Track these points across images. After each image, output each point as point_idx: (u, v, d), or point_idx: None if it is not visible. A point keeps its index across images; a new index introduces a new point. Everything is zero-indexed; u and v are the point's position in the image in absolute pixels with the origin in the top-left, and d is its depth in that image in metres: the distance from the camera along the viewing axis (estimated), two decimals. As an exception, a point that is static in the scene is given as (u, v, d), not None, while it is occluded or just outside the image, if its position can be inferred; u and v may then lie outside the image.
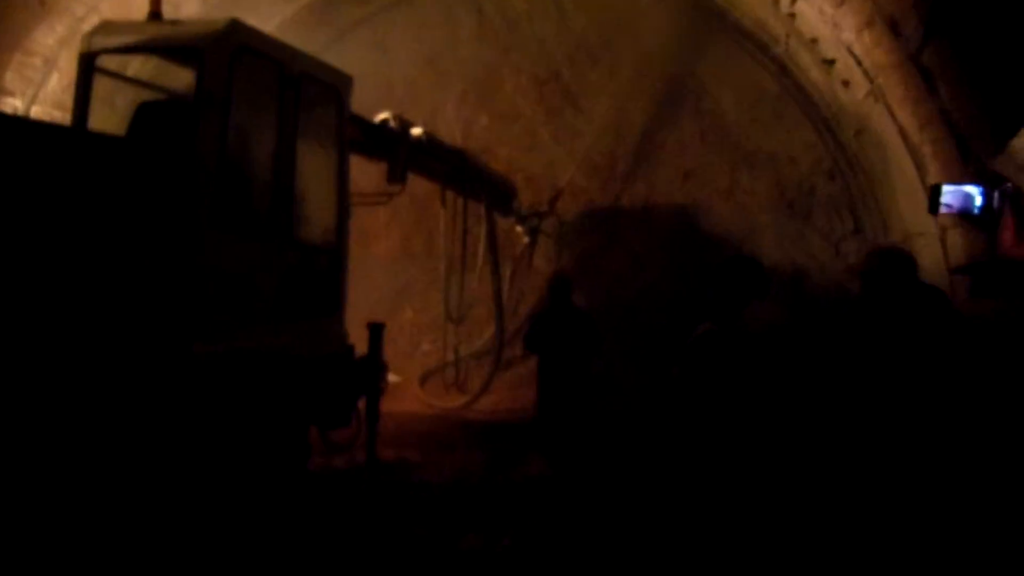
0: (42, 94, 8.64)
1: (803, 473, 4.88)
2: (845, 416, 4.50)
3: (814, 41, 8.75)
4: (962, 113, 6.92)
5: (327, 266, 6.60)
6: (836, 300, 9.50)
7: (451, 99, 11.93)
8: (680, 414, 4.29)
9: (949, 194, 6.47)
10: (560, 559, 5.30)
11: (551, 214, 11.31)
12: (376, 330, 7.33)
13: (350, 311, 6.94)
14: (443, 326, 10.39)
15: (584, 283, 9.88)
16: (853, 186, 9.98)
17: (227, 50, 5.41)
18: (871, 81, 7.94)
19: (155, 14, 5.97)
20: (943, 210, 6.53)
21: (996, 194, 6.33)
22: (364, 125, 7.55)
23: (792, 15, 8.73)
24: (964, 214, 6.55)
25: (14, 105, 8.40)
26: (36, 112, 8.52)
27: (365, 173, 8.26)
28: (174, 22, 5.81)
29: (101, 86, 5.95)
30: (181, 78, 6.02)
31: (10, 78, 8.38)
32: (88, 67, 5.79)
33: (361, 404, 7.17)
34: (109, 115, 6.00)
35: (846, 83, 8.59)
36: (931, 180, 7.51)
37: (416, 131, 8.33)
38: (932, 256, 7.34)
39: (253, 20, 5.83)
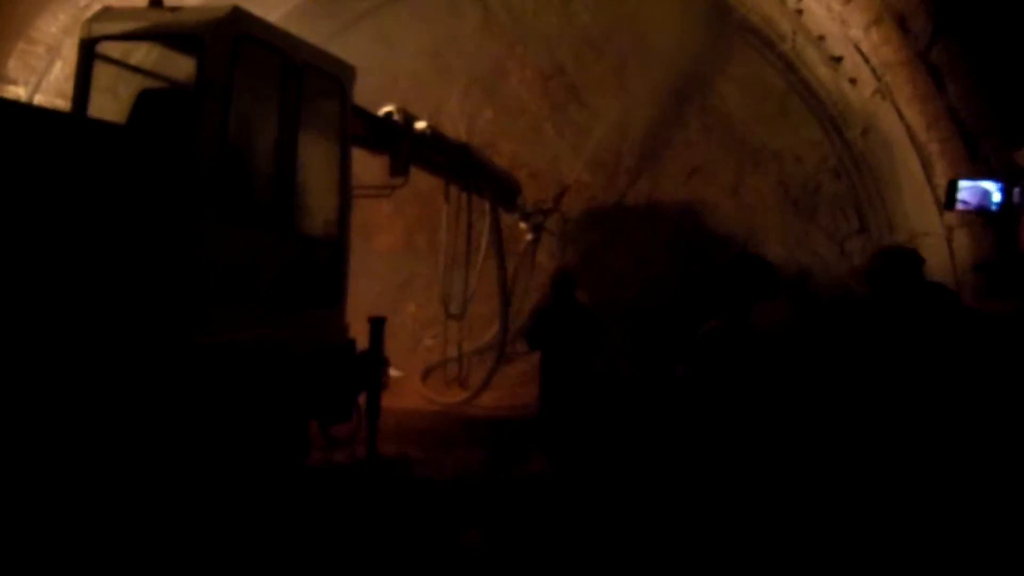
0: (45, 83, 8.62)
1: (812, 473, 4.82)
2: (859, 417, 4.44)
3: (821, 38, 8.70)
4: (971, 111, 6.87)
5: (328, 259, 6.55)
6: (840, 299, 9.45)
7: (455, 93, 11.89)
8: (685, 412, 4.23)
9: (966, 190, 6.28)
10: (561, 557, 5.25)
11: (556, 211, 11.25)
12: (377, 324, 7.29)
13: (351, 305, 6.89)
14: (445, 322, 10.34)
15: (587, 280, 9.84)
16: (859, 185, 9.91)
17: (229, 38, 5.35)
18: (878, 79, 7.89)
19: (156, 1, 5.92)
20: (959, 207, 6.33)
21: (1016, 190, 6.16)
22: (367, 117, 7.50)
23: (799, 12, 8.69)
24: (981, 211, 6.36)
25: (17, 93, 8.37)
26: (39, 101, 8.49)
27: (367, 166, 8.21)
28: (175, 9, 5.74)
29: (102, 73, 5.90)
30: (182, 66, 5.96)
31: (13, 66, 8.36)
32: (88, 53, 5.74)
33: (362, 399, 7.12)
34: (110, 102, 5.95)
35: (853, 81, 8.54)
36: (938, 179, 7.46)
37: (420, 124, 8.29)
38: (938, 256, 7.28)
39: (257, 10, 5.77)
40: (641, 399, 8.35)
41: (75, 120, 5.51)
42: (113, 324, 4.76)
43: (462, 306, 9.93)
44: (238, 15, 5.45)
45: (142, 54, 6.86)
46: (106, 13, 5.91)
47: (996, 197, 6.21)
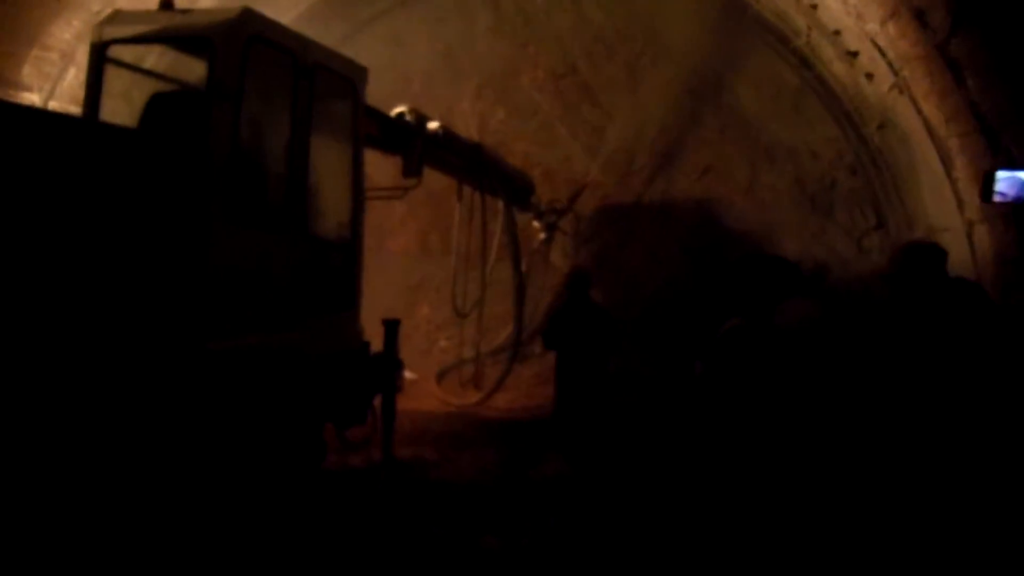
0: (59, 89, 8.64)
1: (835, 471, 4.75)
2: (886, 414, 4.36)
3: (837, 33, 8.61)
4: (992, 105, 6.76)
5: (342, 261, 6.52)
6: (859, 296, 9.34)
7: (468, 93, 11.87)
8: (706, 410, 4.18)
9: (1004, 181, 6.05)
10: (579, 559, 5.20)
11: (570, 210, 11.19)
12: (392, 327, 7.24)
13: (365, 307, 6.86)
14: (459, 323, 10.29)
15: (602, 279, 9.77)
16: (876, 181, 9.82)
17: (239, 39, 5.33)
18: (896, 73, 7.80)
19: (167, 3, 5.90)
20: (997, 198, 6.12)
21: None
22: (380, 118, 7.47)
23: (814, 6, 8.60)
24: (1020, 202, 6.15)
25: (32, 100, 8.39)
26: (53, 107, 8.51)
27: (380, 167, 8.18)
28: (186, 11, 5.72)
29: (114, 78, 5.88)
30: (193, 68, 5.94)
31: (27, 73, 8.38)
32: (99, 57, 5.73)
33: (377, 402, 7.08)
34: (122, 106, 5.94)
35: (870, 76, 8.45)
36: (957, 174, 7.37)
37: (432, 125, 8.26)
38: (959, 252, 7.18)
39: (270, 13, 5.75)
40: (658, 398, 8.29)
41: (87, 124, 5.50)
42: (127, 330, 4.74)
43: (472, 305, 9.88)
44: (248, 16, 5.42)
45: (154, 58, 6.86)
46: (116, 16, 5.90)
47: None
